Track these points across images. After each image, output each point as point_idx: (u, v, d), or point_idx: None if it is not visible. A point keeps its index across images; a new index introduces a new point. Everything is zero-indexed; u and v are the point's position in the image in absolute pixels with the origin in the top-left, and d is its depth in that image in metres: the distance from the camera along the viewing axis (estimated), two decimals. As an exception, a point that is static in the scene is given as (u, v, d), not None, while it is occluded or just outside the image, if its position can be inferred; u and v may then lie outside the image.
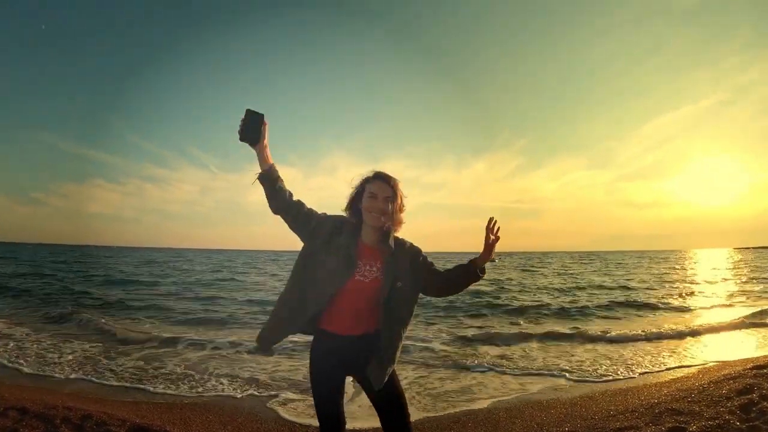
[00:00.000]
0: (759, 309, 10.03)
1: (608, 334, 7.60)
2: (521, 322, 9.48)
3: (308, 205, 1.88)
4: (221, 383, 4.87)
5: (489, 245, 1.83)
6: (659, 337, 7.39)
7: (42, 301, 11.76)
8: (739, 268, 30.80)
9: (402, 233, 1.96)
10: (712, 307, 11.71)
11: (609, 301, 12.68)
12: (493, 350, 6.64)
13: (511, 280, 20.79)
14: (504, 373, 5.33)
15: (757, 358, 5.26)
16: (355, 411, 3.92)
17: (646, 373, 5.23)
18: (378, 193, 1.82)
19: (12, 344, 6.50)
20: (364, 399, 4.21)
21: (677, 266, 35.98)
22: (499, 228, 1.84)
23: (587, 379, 5.05)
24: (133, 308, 10.91)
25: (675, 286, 17.98)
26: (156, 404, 4.14)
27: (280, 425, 3.68)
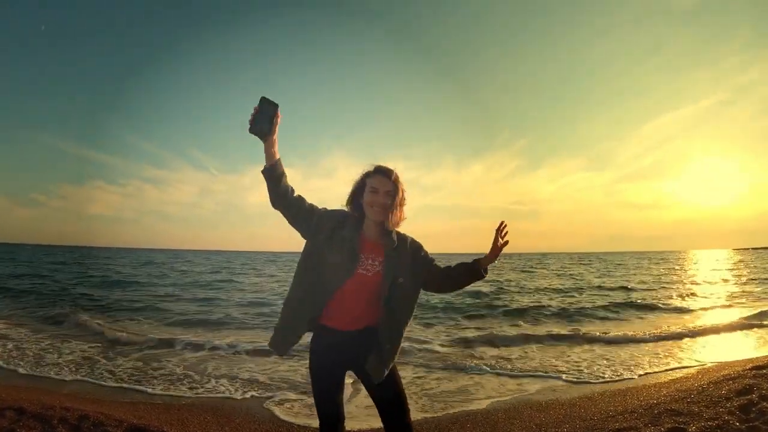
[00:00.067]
0: (758, 310, 10.02)
1: (607, 335, 7.60)
2: (520, 324, 9.46)
3: (309, 201, 1.87)
4: (219, 384, 4.86)
5: (497, 248, 1.84)
6: (659, 338, 7.38)
7: (40, 302, 11.72)
8: (738, 269, 30.80)
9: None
10: (711, 308, 11.70)
11: (608, 302, 12.67)
12: (492, 351, 6.63)
13: (510, 281, 20.81)
14: (503, 374, 5.32)
15: (757, 358, 5.25)
16: (353, 411, 3.91)
17: (645, 374, 5.22)
18: (379, 188, 1.82)
19: (10, 345, 6.48)
20: (361, 399, 4.20)
21: (676, 267, 36.00)
22: (507, 232, 1.85)
23: (586, 380, 5.04)
24: (131, 309, 10.89)
25: (674, 286, 17.99)
26: (154, 405, 4.12)
27: (277, 426, 3.67)
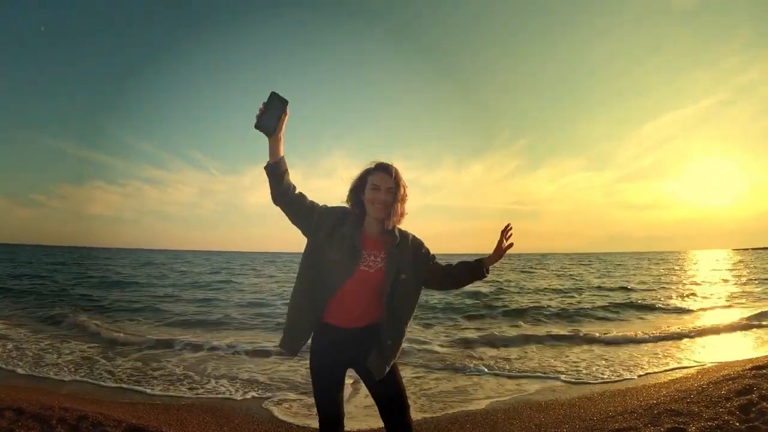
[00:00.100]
0: (758, 311, 10.01)
1: (607, 336, 7.59)
2: (520, 324, 9.46)
3: (310, 198, 1.86)
4: (218, 384, 4.85)
5: (501, 249, 1.87)
6: (658, 338, 7.37)
7: (39, 302, 11.72)
8: (738, 269, 30.82)
9: None
10: (711, 308, 11.70)
11: (608, 303, 12.67)
12: (491, 352, 6.63)
13: (510, 281, 20.81)
14: (502, 375, 5.31)
15: (757, 358, 5.25)
16: (352, 411, 3.91)
17: (645, 374, 5.22)
18: (380, 185, 1.81)
19: (9, 345, 6.48)
20: (360, 399, 4.20)
21: (676, 267, 36.01)
22: (512, 234, 1.89)
23: (585, 380, 5.04)
24: (130, 310, 10.88)
25: (674, 287, 17.99)
26: (153, 405, 4.12)
27: (276, 426, 3.66)
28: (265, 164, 1.74)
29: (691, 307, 11.72)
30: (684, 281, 20.99)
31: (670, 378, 4.97)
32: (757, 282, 19.21)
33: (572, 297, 14.73)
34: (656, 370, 5.39)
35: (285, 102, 1.69)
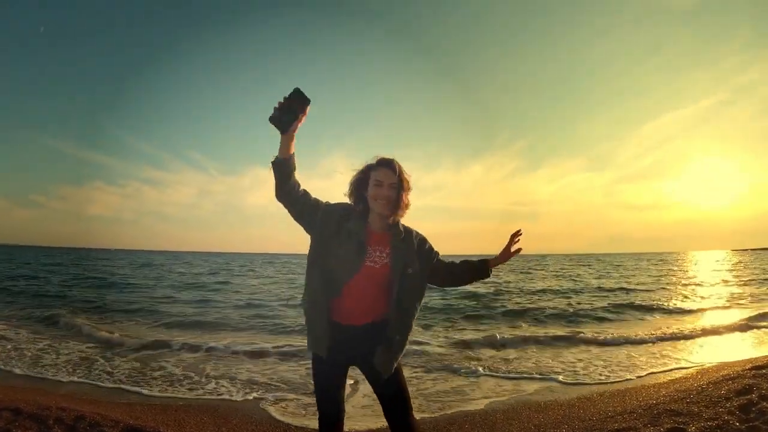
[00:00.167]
0: (758, 311, 10.01)
1: (606, 336, 7.58)
2: (518, 325, 9.45)
3: (314, 196, 1.85)
4: (216, 385, 4.83)
5: (509, 252, 1.93)
6: (658, 338, 7.35)
7: (38, 303, 11.68)
8: (737, 269, 30.83)
9: None
10: (710, 309, 11.68)
11: (607, 303, 12.65)
12: (490, 352, 6.61)
13: (509, 282, 20.79)
14: (500, 375, 5.30)
15: (756, 358, 5.24)
16: (350, 411, 3.88)
17: (644, 374, 5.20)
18: (384, 181, 1.81)
19: (8, 346, 6.47)
20: (358, 399, 4.19)
21: (675, 268, 36.02)
22: (519, 240, 1.95)
23: (584, 381, 5.02)
24: (128, 311, 10.85)
25: (673, 287, 17.98)
26: (150, 406, 4.10)
27: (274, 426, 3.65)
28: (274, 159, 1.72)
29: (690, 308, 11.70)
30: (683, 282, 20.98)
31: (669, 378, 4.96)
32: (756, 283, 19.20)
33: (571, 298, 14.71)
34: (656, 370, 5.37)
35: (307, 101, 1.65)
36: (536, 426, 3.53)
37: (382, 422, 3.60)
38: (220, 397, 4.48)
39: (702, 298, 14.25)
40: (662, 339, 7.34)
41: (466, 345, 7.09)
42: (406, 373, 5.25)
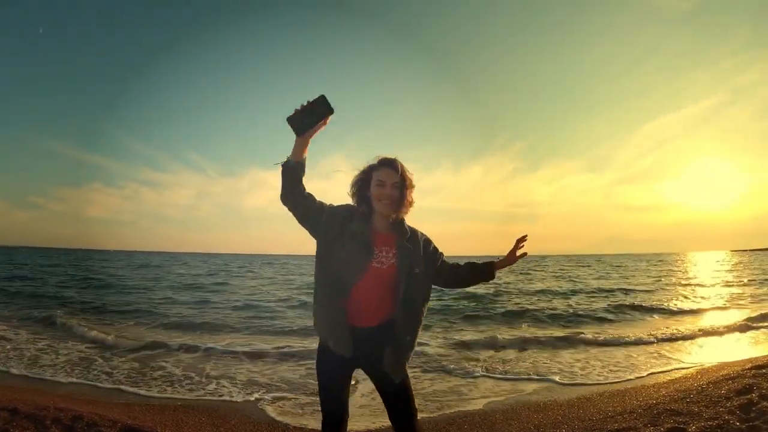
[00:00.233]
0: (758, 312, 10.01)
1: (606, 337, 7.57)
2: (517, 326, 9.43)
3: (318, 199, 1.82)
4: (215, 385, 4.82)
5: (514, 256, 1.96)
6: (658, 339, 7.34)
7: (37, 304, 11.66)
8: (737, 270, 30.85)
9: None
10: (710, 309, 11.69)
11: (607, 304, 12.64)
12: (489, 353, 6.60)
13: (509, 283, 20.77)
14: (498, 376, 5.28)
15: (756, 358, 5.23)
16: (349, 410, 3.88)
17: (644, 374, 5.19)
18: (386, 180, 1.79)
19: (7, 346, 6.45)
20: (357, 399, 4.19)
21: (675, 269, 36.02)
22: (524, 245, 1.98)
23: (583, 382, 5.01)
24: (126, 312, 10.82)
25: (673, 288, 17.99)
26: (149, 406, 4.09)
27: (273, 427, 3.64)
28: (285, 161, 1.70)
29: (690, 308, 11.70)
30: (683, 282, 20.99)
31: (669, 378, 4.95)
32: (756, 283, 19.21)
33: (571, 299, 14.70)
34: (656, 370, 5.37)
35: (331, 110, 1.62)
36: (536, 426, 3.52)
37: (381, 422, 3.60)
38: (219, 397, 4.46)
39: (702, 298, 14.25)
40: (662, 339, 7.33)
41: (465, 346, 7.08)
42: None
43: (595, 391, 4.51)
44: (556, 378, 5.12)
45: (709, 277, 24.13)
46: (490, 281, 2.01)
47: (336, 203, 1.88)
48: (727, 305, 12.37)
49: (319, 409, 1.93)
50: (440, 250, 2.00)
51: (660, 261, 60.59)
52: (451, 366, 5.68)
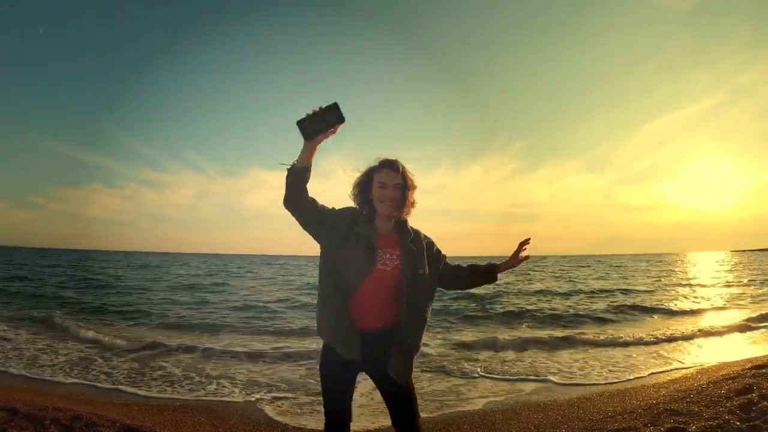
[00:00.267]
0: (758, 312, 10.00)
1: (606, 337, 7.57)
2: (517, 326, 9.43)
3: (320, 203, 1.80)
4: (214, 386, 4.82)
5: (517, 259, 1.97)
6: (657, 339, 7.34)
7: (36, 304, 11.66)
8: (737, 270, 30.84)
9: None
10: (710, 309, 11.69)
11: (606, 305, 12.64)
12: (488, 354, 6.59)
13: (508, 284, 20.76)
14: (497, 376, 5.28)
15: (756, 358, 5.22)
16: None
17: (644, 374, 5.19)
18: (388, 182, 1.78)
19: (7, 346, 6.45)
20: (357, 399, 4.16)
21: (675, 269, 36.02)
22: (527, 247, 1.99)
23: (583, 382, 5.01)
24: (125, 312, 10.82)
25: (673, 288, 17.98)
26: (147, 406, 4.09)
27: (272, 427, 3.63)
28: (291, 166, 1.68)
29: (690, 309, 11.70)
30: (683, 282, 20.98)
31: (669, 378, 4.95)
32: (756, 283, 19.21)
33: (570, 299, 14.69)
34: (656, 370, 5.36)
35: (342, 119, 1.62)
36: (535, 426, 3.51)
37: (381, 422, 3.59)
38: (218, 397, 4.46)
39: (701, 298, 14.24)
40: (662, 339, 7.32)
41: (464, 346, 7.07)
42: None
43: (595, 391, 4.51)
44: (556, 378, 5.12)
45: (708, 278, 24.12)
46: (493, 284, 2.02)
47: (336, 204, 1.87)
48: (727, 305, 12.36)
49: (319, 408, 1.92)
50: (443, 252, 2.00)
51: (660, 261, 60.58)
52: (451, 366, 5.67)
